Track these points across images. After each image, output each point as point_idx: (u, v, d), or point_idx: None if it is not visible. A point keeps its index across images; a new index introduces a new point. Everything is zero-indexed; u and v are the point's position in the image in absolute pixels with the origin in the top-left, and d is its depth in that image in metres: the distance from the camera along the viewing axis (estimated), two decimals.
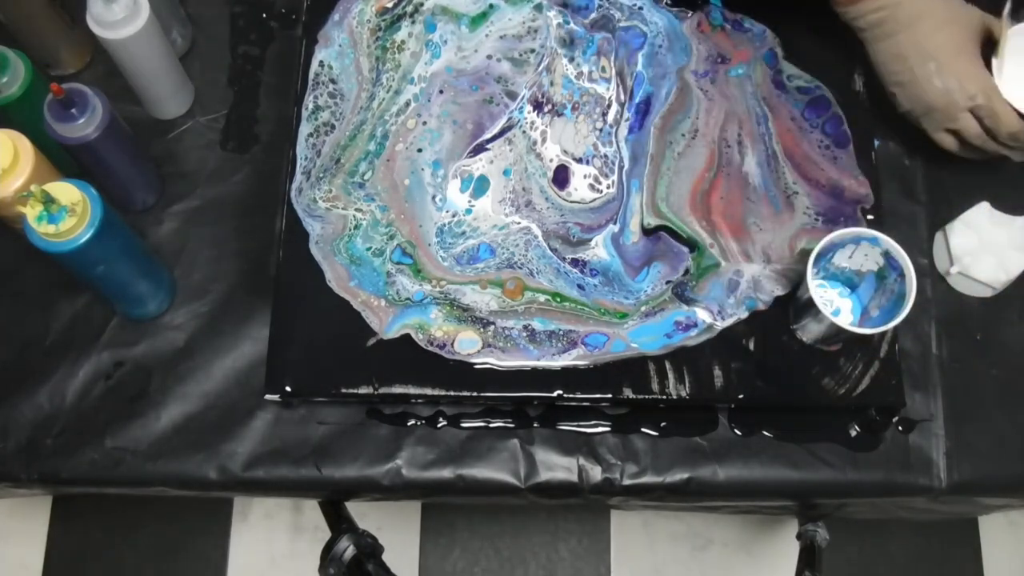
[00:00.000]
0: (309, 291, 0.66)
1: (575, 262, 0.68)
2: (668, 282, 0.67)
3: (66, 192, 0.56)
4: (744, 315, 0.66)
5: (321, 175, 0.69)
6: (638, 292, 0.67)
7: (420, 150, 0.69)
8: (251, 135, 0.76)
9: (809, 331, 0.65)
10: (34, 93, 0.64)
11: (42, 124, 0.62)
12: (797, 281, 0.67)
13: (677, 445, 0.68)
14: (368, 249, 0.67)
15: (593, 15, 0.72)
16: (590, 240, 0.68)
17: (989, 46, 0.67)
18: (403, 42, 0.72)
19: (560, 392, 0.65)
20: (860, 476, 0.67)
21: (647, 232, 0.68)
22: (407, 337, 0.65)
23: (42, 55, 0.74)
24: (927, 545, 1.25)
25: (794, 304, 0.66)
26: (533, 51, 0.71)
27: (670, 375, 0.65)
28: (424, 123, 0.70)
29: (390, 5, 0.72)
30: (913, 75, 0.68)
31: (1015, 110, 0.66)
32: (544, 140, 0.70)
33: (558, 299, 0.66)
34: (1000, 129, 0.67)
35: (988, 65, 0.67)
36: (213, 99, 0.76)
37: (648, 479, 0.67)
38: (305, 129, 0.70)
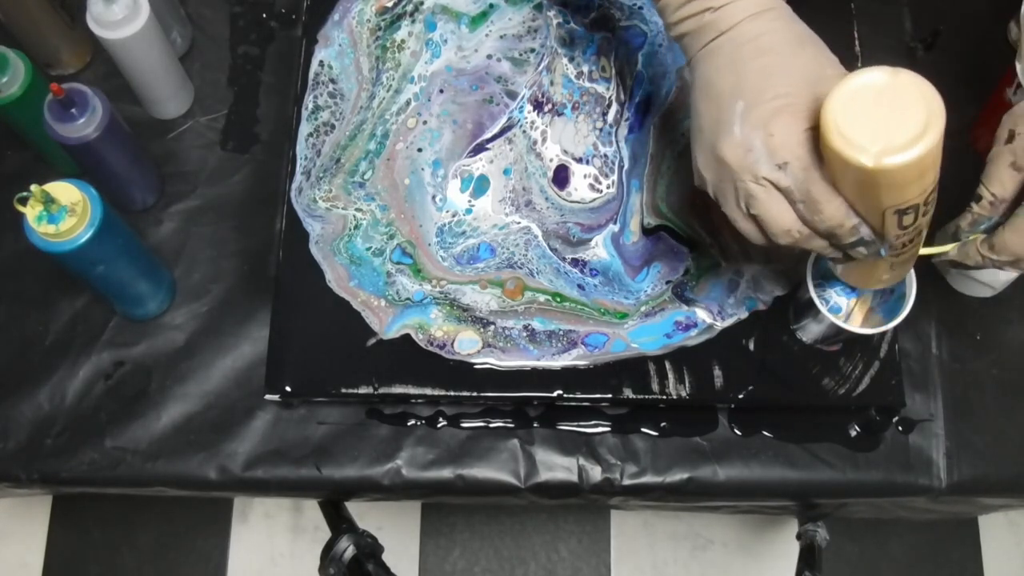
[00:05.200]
0: (309, 291, 0.66)
1: (575, 262, 0.68)
2: (668, 282, 0.67)
3: (66, 192, 0.56)
4: (744, 315, 0.66)
5: (321, 175, 0.69)
6: (638, 292, 0.67)
7: (420, 149, 0.69)
8: (251, 135, 0.76)
9: (809, 331, 0.65)
10: (34, 93, 0.64)
11: (42, 124, 0.62)
12: (797, 281, 0.67)
13: (677, 445, 0.68)
14: (368, 249, 0.67)
15: (593, 14, 0.72)
16: (590, 240, 0.68)
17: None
18: (403, 41, 0.72)
19: (560, 392, 0.65)
20: (860, 476, 0.67)
21: (647, 232, 0.68)
22: (407, 337, 0.65)
23: (42, 55, 0.74)
24: (927, 545, 1.25)
25: (794, 304, 0.66)
26: (533, 51, 0.71)
27: (670, 375, 0.65)
28: (424, 122, 0.70)
29: (390, 4, 0.72)
30: (713, 118, 0.49)
31: None
32: (544, 140, 0.70)
33: (558, 299, 0.66)
34: (819, 222, 0.48)
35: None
36: (213, 99, 0.76)
37: (648, 479, 0.67)
38: (305, 129, 0.70)
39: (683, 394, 0.65)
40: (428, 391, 0.65)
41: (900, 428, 0.69)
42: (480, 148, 0.69)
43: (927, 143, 0.43)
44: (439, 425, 0.68)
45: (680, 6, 0.51)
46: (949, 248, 0.55)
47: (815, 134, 0.47)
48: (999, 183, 0.52)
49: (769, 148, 0.47)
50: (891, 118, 0.43)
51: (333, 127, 0.70)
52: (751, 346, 0.66)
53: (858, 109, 0.44)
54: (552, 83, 0.71)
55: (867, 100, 0.44)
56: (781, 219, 0.49)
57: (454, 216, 0.68)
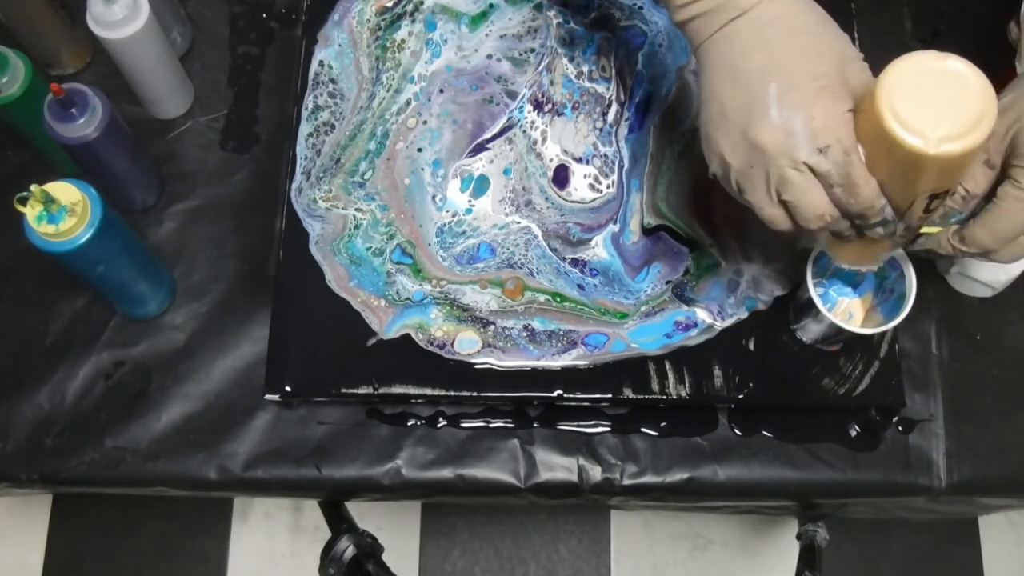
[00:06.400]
0: (309, 291, 0.66)
1: (575, 262, 0.68)
2: (668, 282, 0.67)
3: (66, 192, 0.56)
4: (744, 315, 0.66)
5: (321, 175, 0.69)
6: (638, 292, 0.67)
7: (420, 149, 0.69)
8: (251, 135, 0.76)
9: (809, 331, 0.65)
10: (34, 93, 0.64)
11: (42, 124, 0.62)
12: (797, 281, 0.67)
13: (677, 445, 0.68)
14: (368, 249, 0.67)
15: (593, 14, 0.72)
16: (590, 240, 0.68)
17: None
18: (403, 41, 0.72)
19: (560, 392, 0.65)
20: (860, 476, 0.67)
21: (647, 232, 0.68)
22: (407, 337, 0.65)
23: (42, 55, 0.74)
24: (927, 545, 1.25)
25: (794, 304, 0.66)
26: (533, 50, 0.71)
27: (670, 375, 0.65)
28: (424, 122, 0.70)
29: (390, 4, 0.72)
30: (742, 101, 0.48)
31: None
32: (544, 140, 0.70)
33: (558, 299, 0.66)
34: (853, 205, 0.48)
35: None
36: (213, 99, 0.76)
37: (648, 479, 0.67)
38: (305, 129, 0.70)
39: (683, 394, 0.65)
40: (428, 391, 0.65)
41: (900, 428, 0.69)
42: (480, 148, 0.69)
43: (984, 129, 0.43)
44: (439, 425, 0.68)
45: None
46: (936, 230, 0.55)
47: (852, 116, 0.46)
48: (972, 180, 0.52)
49: (811, 131, 0.46)
50: (947, 103, 0.43)
51: (333, 127, 0.70)
52: (751, 346, 0.66)
53: (912, 93, 0.43)
54: (552, 83, 0.71)
55: (920, 84, 0.44)
56: (815, 204, 0.48)
57: (454, 216, 0.68)
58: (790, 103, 0.46)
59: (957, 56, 0.44)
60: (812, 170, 0.47)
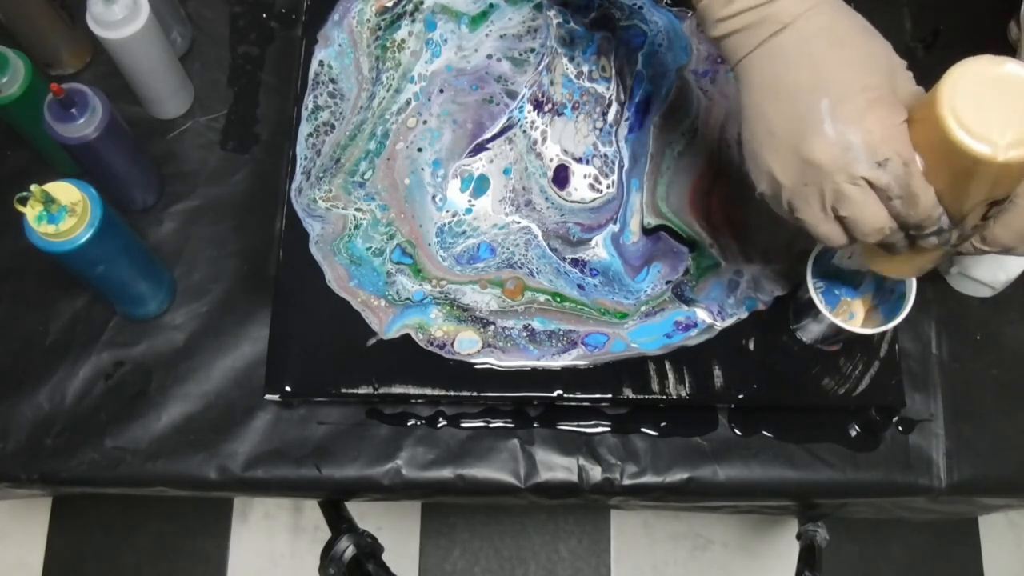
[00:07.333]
0: (309, 291, 0.66)
1: (575, 262, 0.68)
2: (668, 282, 0.67)
3: (66, 192, 0.56)
4: (744, 315, 0.66)
5: (321, 175, 0.69)
6: (638, 292, 0.67)
7: (420, 149, 0.69)
8: (251, 135, 0.76)
9: (809, 331, 0.65)
10: (34, 93, 0.64)
11: (42, 124, 0.62)
12: (797, 281, 0.67)
13: (677, 445, 0.68)
14: (368, 249, 0.67)
15: (593, 14, 0.72)
16: (590, 240, 0.68)
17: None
18: (403, 41, 0.72)
19: (560, 392, 0.65)
20: (860, 476, 0.67)
21: (647, 232, 0.68)
22: (407, 337, 0.65)
23: (42, 55, 0.74)
24: (927, 545, 1.25)
25: (794, 304, 0.66)
26: (533, 50, 0.71)
27: (670, 375, 0.65)
28: (424, 122, 0.70)
29: (390, 4, 0.72)
30: (792, 118, 0.47)
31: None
32: (544, 140, 0.70)
33: (558, 299, 0.66)
34: (912, 216, 0.47)
35: None
36: (213, 99, 0.76)
37: (648, 479, 0.67)
38: (305, 129, 0.70)
39: (683, 394, 0.65)
40: (428, 391, 0.65)
41: (900, 428, 0.69)
42: (480, 148, 0.70)
43: None
44: (439, 425, 0.68)
45: (730, 1, 0.48)
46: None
47: (907, 126, 0.46)
48: None
49: (868, 145, 0.45)
50: (1009, 107, 0.43)
51: (333, 127, 0.70)
52: (751, 346, 0.66)
53: (973, 100, 0.43)
54: (552, 83, 0.71)
55: (980, 90, 0.43)
56: (875, 218, 0.47)
57: (454, 216, 0.68)
58: (844, 117, 0.45)
59: (1015, 59, 0.44)
60: (870, 184, 0.46)
